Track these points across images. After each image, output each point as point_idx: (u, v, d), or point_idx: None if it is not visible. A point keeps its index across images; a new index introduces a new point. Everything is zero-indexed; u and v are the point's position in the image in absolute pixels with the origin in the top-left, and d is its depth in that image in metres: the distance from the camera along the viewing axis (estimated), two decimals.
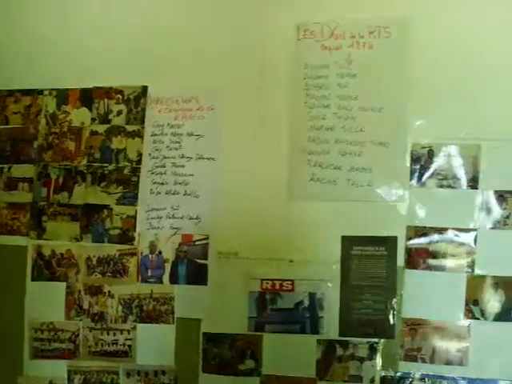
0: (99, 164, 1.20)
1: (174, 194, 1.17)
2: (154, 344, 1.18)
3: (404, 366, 1.12)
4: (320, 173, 1.12)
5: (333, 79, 1.12)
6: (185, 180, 1.17)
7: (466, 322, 1.10)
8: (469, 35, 1.10)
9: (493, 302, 1.10)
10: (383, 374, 1.11)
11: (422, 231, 1.11)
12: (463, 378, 1.10)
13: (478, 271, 1.10)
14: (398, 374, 1.12)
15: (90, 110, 1.22)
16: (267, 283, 1.13)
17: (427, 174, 1.11)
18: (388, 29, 1.10)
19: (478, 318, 1.10)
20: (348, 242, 1.12)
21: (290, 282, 1.13)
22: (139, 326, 1.19)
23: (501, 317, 1.09)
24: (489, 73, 1.09)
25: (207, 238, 1.16)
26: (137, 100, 1.20)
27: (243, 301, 1.14)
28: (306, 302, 1.13)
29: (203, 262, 1.15)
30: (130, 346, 1.18)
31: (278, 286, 1.13)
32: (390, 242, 1.11)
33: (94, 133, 1.22)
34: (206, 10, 1.19)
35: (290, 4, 1.14)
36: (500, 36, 1.10)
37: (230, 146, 1.16)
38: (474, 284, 1.10)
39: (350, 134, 1.11)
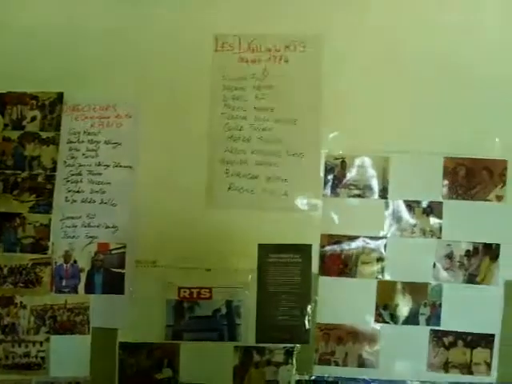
0: (12, 171, 1.26)
1: (90, 202, 1.24)
2: (68, 355, 1.23)
3: (318, 370, 1.22)
4: (238, 182, 1.22)
5: (250, 91, 1.22)
6: (102, 188, 1.24)
7: (376, 326, 1.23)
8: (381, 50, 1.23)
9: (401, 306, 1.23)
10: (298, 377, 1.22)
11: (335, 239, 1.23)
12: (374, 380, 1.22)
13: (387, 277, 1.22)
14: (313, 378, 1.22)
15: (3, 115, 1.28)
16: (185, 291, 1.22)
17: (340, 184, 1.24)
18: (303, 43, 1.21)
19: (387, 322, 1.22)
20: (264, 250, 1.23)
21: (207, 290, 1.23)
22: (53, 337, 1.24)
23: (408, 320, 1.23)
24: (398, 87, 1.23)
25: (124, 247, 1.23)
26: (52, 106, 1.27)
27: (161, 309, 1.21)
28: (224, 310, 1.23)
29: (120, 271, 1.23)
30: (42, 357, 1.24)
31: (195, 295, 1.22)
32: (304, 250, 1.24)
33: (6, 139, 1.28)
34: (122, 16, 1.25)
35: (208, 15, 1.24)
36: (411, 51, 1.24)
37: (149, 155, 1.24)
38: (384, 289, 1.22)
39: (267, 144, 1.22)
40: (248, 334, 1.22)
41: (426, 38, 1.22)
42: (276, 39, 1.21)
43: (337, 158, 1.21)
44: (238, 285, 1.22)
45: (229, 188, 1.20)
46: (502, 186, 1.20)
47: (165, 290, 1.21)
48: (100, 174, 1.22)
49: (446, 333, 1.22)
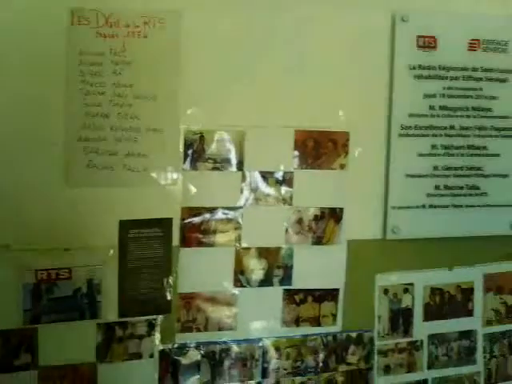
0: None
1: None
2: None
3: (181, 338, 1.47)
4: (96, 159, 1.37)
5: (108, 66, 1.34)
6: None
7: (234, 291, 1.54)
8: (240, 27, 1.47)
9: (257, 270, 1.54)
10: (161, 347, 1.50)
11: (195, 212, 1.53)
12: (233, 341, 1.51)
13: (244, 244, 1.52)
14: (176, 346, 1.49)
15: None
16: (42, 274, 1.37)
17: (199, 159, 1.51)
18: (163, 20, 1.36)
19: (244, 286, 1.55)
20: (125, 226, 1.41)
21: (66, 270, 1.43)
22: None
23: (264, 283, 1.57)
24: (254, 64, 1.46)
25: None
26: None
27: (17, 294, 1.34)
28: (85, 289, 1.40)
29: None
30: None
31: (54, 276, 1.38)
32: (165, 224, 1.48)
33: None
34: None
35: None
36: (266, 27, 1.50)
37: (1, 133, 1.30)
38: (241, 256, 1.50)
39: (126, 121, 1.37)
40: (110, 311, 1.41)
41: (279, 15, 1.54)
42: (135, 15, 1.34)
43: (196, 133, 1.44)
44: (98, 262, 1.39)
45: (87, 165, 1.35)
46: (345, 156, 1.61)
47: (21, 274, 1.33)
48: None
49: (297, 291, 1.57)
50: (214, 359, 1.50)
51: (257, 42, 1.46)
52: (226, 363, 1.53)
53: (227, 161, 1.47)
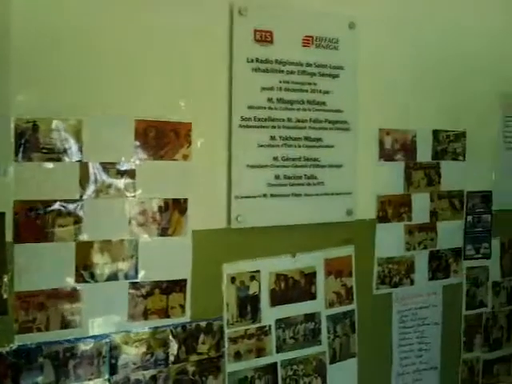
0: None
1: None
2: None
3: (20, 339, 1.42)
4: None
5: None
6: None
7: (77, 287, 1.51)
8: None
9: (101, 264, 1.54)
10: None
11: (29, 205, 1.46)
12: (78, 339, 1.50)
13: (86, 238, 1.51)
14: (14, 348, 1.42)
15: None
16: None
17: (33, 149, 1.46)
18: None
19: (88, 281, 1.54)
20: None
21: None
22: None
23: (108, 277, 1.57)
24: (88, 51, 1.49)
25: None
26: None
27: None
28: None
29: None
30: None
31: None
32: None
33: None
34: None
35: None
36: (111, 18, 1.52)
37: None
38: (83, 250, 1.49)
39: None
40: None
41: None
42: None
43: (28, 122, 1.39)
44: None
45: None
46: (188, 146, 1.65)
47: None
48: None
49: (144, 284, 1.59)
50: (58, 359, 1.46)
51: (91, 30, 1.49)
52: (72, 362, 1.50)
53: (64, 151, 1.45)
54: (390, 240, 1.98)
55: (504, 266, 2.22)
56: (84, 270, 1.50)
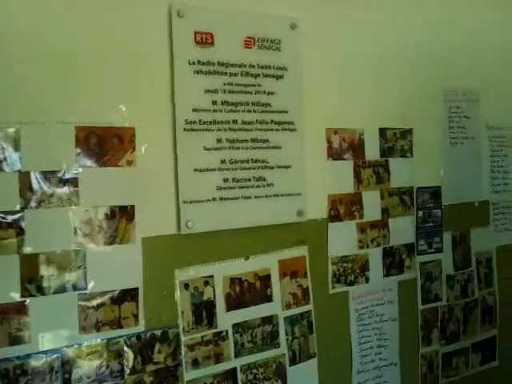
0: None
1: None
2: None
3: None
4: None
5: None
6: None
7: (23, 301, 1.46)
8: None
9: (47, 276, 1.48)
10: None
11: None
12: (28, 355, 1.44)
13: (29, 250, 1.47)
14: None
15: None
16: None
17: None
18: None
19: (34, 295, 1.48)
20: None
21: None
22: None
23: (56, 289, 1.50)
24: (24, 54, 1.48)
25: None
26: None
27: None
28: None
29: None
30: None
31: None
32: None
33: None
34: None
35: None
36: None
37: None
38: (28, 263, 1.44)
39: None
40: None
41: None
42: None
43: None
44: None
45: None
46: (132, 152, 1.63)
47: None
48: None
49: (94, 294, 1.55)
50: (8, 377, 1.41)
51: (26, 33, 1.47)
52: (23, 380, 1.44)
53: (2, 160, 1.41)
54: (342, 239, 2.00)
55: (456, 260, 2.25)
56: (29, 283, 1.45)
